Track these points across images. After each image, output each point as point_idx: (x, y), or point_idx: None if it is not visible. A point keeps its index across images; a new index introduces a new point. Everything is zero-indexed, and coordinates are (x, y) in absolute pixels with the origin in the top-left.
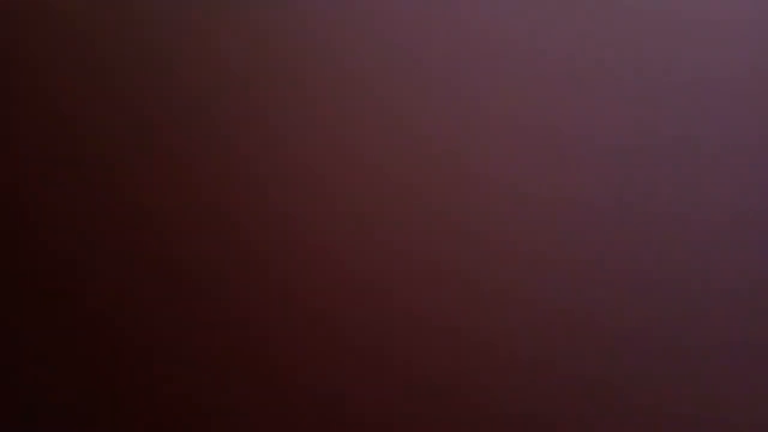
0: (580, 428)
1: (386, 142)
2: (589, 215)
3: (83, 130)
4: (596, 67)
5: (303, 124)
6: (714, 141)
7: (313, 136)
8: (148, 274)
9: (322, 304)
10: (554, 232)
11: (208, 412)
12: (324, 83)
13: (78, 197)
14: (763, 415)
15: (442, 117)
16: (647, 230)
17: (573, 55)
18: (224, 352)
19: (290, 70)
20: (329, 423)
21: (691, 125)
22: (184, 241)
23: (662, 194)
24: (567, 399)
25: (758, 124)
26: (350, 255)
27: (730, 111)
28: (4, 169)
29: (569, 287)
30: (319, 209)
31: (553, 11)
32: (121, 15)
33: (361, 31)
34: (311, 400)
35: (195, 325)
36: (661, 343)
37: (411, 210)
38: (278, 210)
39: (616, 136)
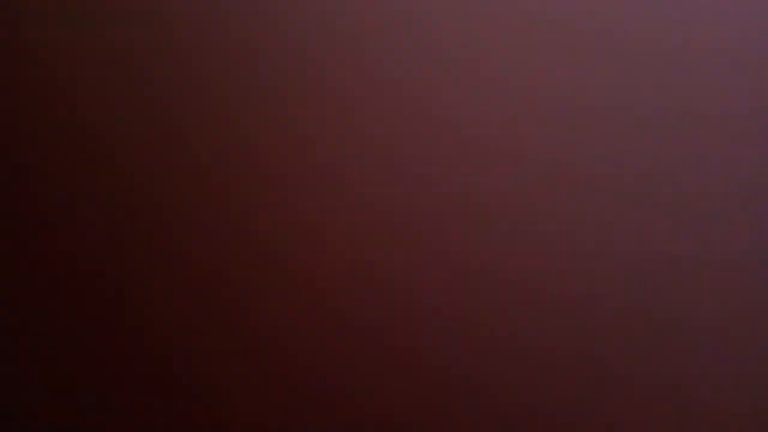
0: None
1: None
2: (588, 214)
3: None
4: (598, 68)
5: (310, 118)
6: (715, 142)
7: (323, 131)
8: (156, 270)
9: (339, 301)
10: (555, 230)
11: (223, 414)
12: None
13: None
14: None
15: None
16: (648, 223)
17: (573, 54)
18: (238, 347)
19: (295, 62)
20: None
21: (690, 125)
22: (198, 238)
23: (661, 193)
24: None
25: (756, 129)
26: (361, 250)
27: (729, 113)
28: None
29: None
30: (332, 203)
31: (552, 14)
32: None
33: (364, 21)
34: (334, 398)
35: (207, 323)
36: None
37: (427, 202)
38: (289, 203)
39: (617, 135)
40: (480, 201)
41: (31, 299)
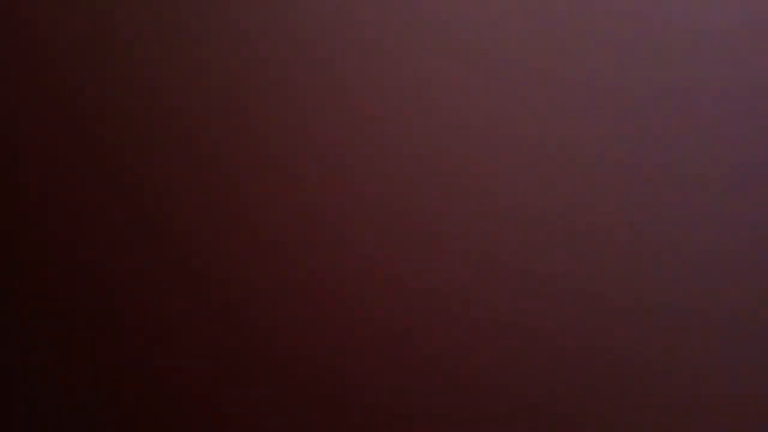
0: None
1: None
2: (588, 214)
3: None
4: (595, 68)
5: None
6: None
7: (313, 133)
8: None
9: (355, 302)
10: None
11: (217, 408)
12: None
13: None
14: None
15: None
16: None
17: (570, 55)
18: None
19: (286, 66)
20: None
21: (693, 124)
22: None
23: (663, 194)
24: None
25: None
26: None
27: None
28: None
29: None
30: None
31: (548, 11)
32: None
33: (354, 28)
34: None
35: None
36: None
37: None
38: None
39: (616, 134)
40: (500, 199)
41: (33, 299)
